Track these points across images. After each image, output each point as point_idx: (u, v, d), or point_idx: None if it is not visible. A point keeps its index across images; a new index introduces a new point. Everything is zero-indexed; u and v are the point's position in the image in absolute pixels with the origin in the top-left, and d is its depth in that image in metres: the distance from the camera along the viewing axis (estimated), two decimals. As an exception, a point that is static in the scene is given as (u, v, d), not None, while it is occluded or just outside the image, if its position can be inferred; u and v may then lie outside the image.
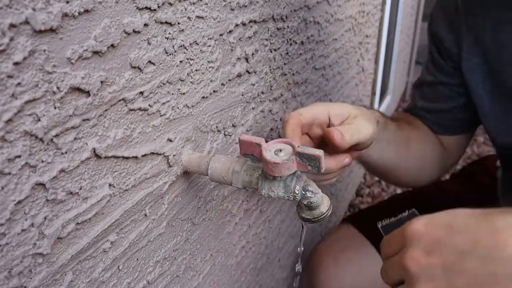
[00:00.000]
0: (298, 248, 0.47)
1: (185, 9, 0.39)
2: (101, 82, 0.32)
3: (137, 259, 0.41)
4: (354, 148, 0.47)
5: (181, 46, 0.40)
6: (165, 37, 0.38)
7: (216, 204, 0.55)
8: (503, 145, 0.65)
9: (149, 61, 0.36)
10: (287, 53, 0.66)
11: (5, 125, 0.25)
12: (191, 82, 0.43)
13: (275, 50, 0.62)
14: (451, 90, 0.67)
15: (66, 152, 0.30)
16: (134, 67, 0.35)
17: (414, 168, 0.69)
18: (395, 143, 0.62)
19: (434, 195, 0.85)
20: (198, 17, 0.42)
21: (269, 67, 0.61)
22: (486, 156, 1.00)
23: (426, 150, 0.70)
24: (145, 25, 0.35)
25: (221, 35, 0.47)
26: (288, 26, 0.64)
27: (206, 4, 0.42)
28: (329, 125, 0.48)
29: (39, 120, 0.27)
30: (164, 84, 0.39)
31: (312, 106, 0.48)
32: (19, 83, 0.25)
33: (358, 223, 0.82)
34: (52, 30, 0.27)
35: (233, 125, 0.54)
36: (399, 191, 1.62)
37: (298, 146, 0.36)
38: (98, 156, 0.33)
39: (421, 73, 0.73)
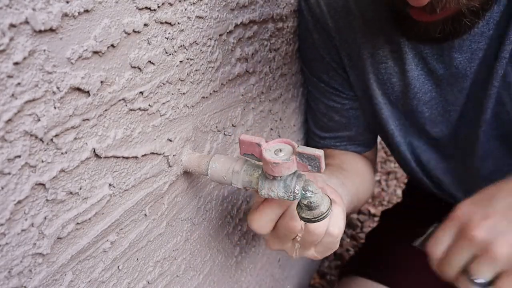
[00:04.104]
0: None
1: (185, 9, 0.39)
2: (101, 82, 0.32)
3: (137, 259, 0.41)
4: None
5: (181, 46, 0.40)
6: (165, 37, 0.38)
7: (216, 204, 0.55)
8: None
9: (149, 61, 0.36)
10: (287, 53, 0.66)
11: (5, 125, 0.25)
12: (191, 82, 0.43)
13: (275, 50, 0.62)
14: (349, 112, 0.71)
15: (66, 152, 0.30)
16: (134, 67, 0.35)
17: (365, 192, 0.74)
18: (354, 195, 0.64)
19: (403, 214, 0.88)
20: (198, 17, 0.42)
21: (269, 67, 0.61)
22: None
23: (364, 173, 0.74)
24: (145, 25, 0.35)
25: (221, 35, 0.47)
26: (288, 26, 0.64)
27: (206, 4, 0.42)
28: None
29: (39, 120, 0.27)
30: (164, 84, 0.39)
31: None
32: (19, 83, 0.25)
33: (367, 271, 0.80)
34: (52, 30, 0.27)
35: (233, 125, 0.54)
36: (399, 191, 1.62)
37: (298, 146, 0.36)
38: (98, 156, 0.33)
39: (311, 106, 0.76)
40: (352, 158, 0.74)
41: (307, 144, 0.82)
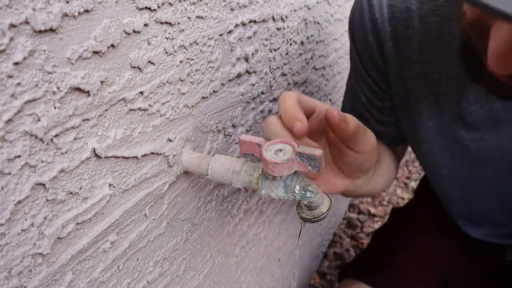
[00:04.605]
0: (295, 253, 0.47)
1: (185, 9, 0.39)
2: (101, 82, 0.32)
3: (137, 259, 0.41)
4: (354, 163, 0.46)
5: (181, 46, 0.40)
6: (165, 37, 0.38)
7: (216, 204, 0.55)
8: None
9: (149, 61, 0.36)
10: (287, 53, 0.66)
11: (5, 125, 0.25)
12: (191, 82, 0.43)
13: (275, 50, 0.62)
14: (387, 108, 0.69)
15: (66, 152, 0.30)
16: (134, 67, 0.35)
17: (385, 181, 0.72)
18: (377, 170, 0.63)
19: (410, 229, 0.87)
20: (198, 17, 0.42)
21: (269, 67, 0.61)
22: None
23: (389, 164, 0.73)
24: (145, 25, 0.35)
25: (221, 35, 0.47)
26: (288, 26, 0.64)
27: (206, 4, 0.42)
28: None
29: (39, 120, 0.27)
30: (164, 84, 0.39)
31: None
32: (19, 83, 0.25)
33: (367, 277, 0.80)
34: (52, 30, 0.27)
35: (233, 125, 0.54)
36: (399, 191, 1.62)
37: (298, 146, 0.36)
38: (98, 156, 0.33)
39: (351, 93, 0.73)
40: (383, 147, 0.73)
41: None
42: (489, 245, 0.79)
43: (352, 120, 0.41)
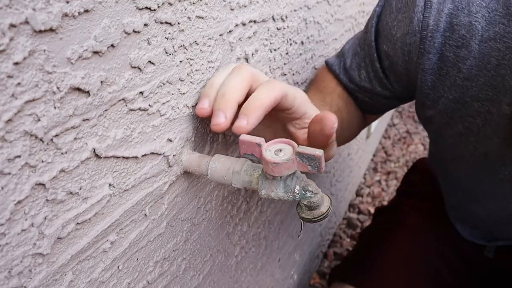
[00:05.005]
0: (296, 255, 0.47)
1: (185, 9, 0.39)
2: (101, 82, 0.32)
3: (137, 259, 0.41)
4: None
5: (181, 46, 0.40)
6: (165, 37, 0.38)
7: (216, 204, 0.55)
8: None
9: (149, 61, 0.36)
10: (287, 53, 0.66)
11: (5, 125, 0.25)
12: (191, 82, 0.43)
13: (275, 50, 0.62)
14: (385, 97, 0.67)
15: (66, 152, 0.30)
16: (134, 67, 0.35)
17: (345, 136, 0.70)
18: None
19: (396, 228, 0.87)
20: (198, 17, 0.42)
21: (269, 67, 0.61)
22: (418, 160, 1.03)
23: (354, 123, 0.71)
24: (145, 25, 0.35)
25: (221, 35, 0.47)
26: (288, 26, 0.64)
27: (206, 4, 0.42)
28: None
29: (39, 120, 0.27)
30: (164, 84, 0.39)
31: (295, 96, 0.42)
32: (19, 83, 0.25)
33: (352, 278, 0.79)
34: (52, 30, 0.27)
35: (233, 125, 0.54)
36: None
37: (298, 146, 0.36)
38: (98, 156, 0.33)
39: (351, 66, 0.68)
40: (354, 109, 0.70)
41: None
42: (473, 244, 0.80)
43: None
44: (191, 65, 0.43)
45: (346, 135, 0.70)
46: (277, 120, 0.47)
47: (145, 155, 0.39)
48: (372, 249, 0.85)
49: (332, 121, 0.39)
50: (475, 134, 0.56)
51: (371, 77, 0.65)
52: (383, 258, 0.81)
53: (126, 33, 0.33)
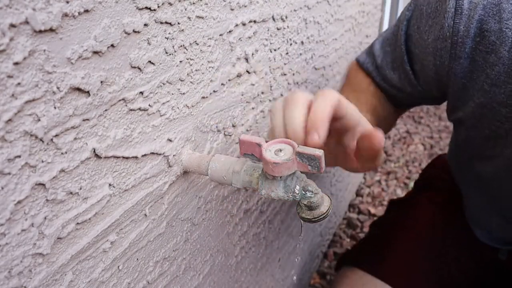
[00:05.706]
0: (296, 259, 0.47)
1: (185, 9, 0.39)
2: (101, 82, 0.32)
3: (137, 259, 0.41)
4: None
5: (181, 46, 0.40)
6: (165, 37, 0.38)
7: (216, 204, 0.55)
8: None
9: (149, 61, 0.36)
10: (287, 53, 0.66)
11: (5, 125, 0.25)
12: (191, 82, 0.43)
13: (275, 50, 0.62)
14: (415, 96, 0.69)
15: (66, 152, 0.30)
16: (134, 67, 0.35)
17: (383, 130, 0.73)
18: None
19: (411, 221, 0.87)
20: (198, 17, 0.42)
21: (269, 67, 0.61)
22: (437, 157, 1.03)
23: (389, 117, 0.74)
24: (145, 25, 0.35)
25: (221, 35, 0.47)
26: (288, 26, 0.64)
27: (206, 4, 0.42)
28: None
29: (39, 120, 0.27)
30: (164, 84, 0.39)
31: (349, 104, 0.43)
32: (19, 83, 0.25)
33: (364, 264, 0.80)
34: (52, 30, 0.27)
35: (233, 125, 0.54)
36: (399, 191, 1.62)
37: (298, 146, 0.36)
38: (98, 156, 0.33)
39: (384, 63, 0.70)
40: (386, 102, 0.73)
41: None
42: (487, 245, 0.80)
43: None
44: (191, 65, 0.43)
45: (384, 128, 0.71)
46: (329, 135, 0.48)
47: (145, 155, 0.38)
48: (385, 238, 0.85)
49: (380, 137, 0.41)
50: (503, 137, 0.57)
51: (402, 77, 0.67)
52: (396, 248, 0.81)
53: (126, 33, 0.33)
